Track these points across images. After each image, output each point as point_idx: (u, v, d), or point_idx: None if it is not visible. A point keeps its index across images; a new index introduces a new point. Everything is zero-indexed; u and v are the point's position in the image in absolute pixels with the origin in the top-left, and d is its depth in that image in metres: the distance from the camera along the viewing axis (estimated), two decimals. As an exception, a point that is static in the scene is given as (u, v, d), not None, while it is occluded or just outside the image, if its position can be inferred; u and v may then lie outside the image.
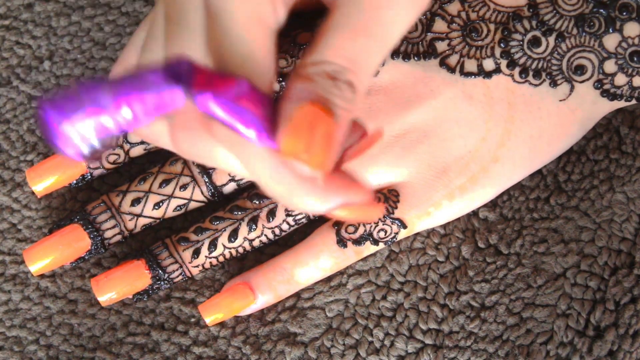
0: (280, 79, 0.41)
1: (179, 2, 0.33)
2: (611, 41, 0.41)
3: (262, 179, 0.32)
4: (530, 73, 0.41)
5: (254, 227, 0.43)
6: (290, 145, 0.29)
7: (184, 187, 0.44)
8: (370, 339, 0.44)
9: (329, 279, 0.44)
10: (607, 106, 0.42)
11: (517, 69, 0.41)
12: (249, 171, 0.32)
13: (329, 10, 0.33)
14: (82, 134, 0.28)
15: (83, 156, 0.29)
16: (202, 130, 0.33)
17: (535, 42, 0.41)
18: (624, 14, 0.41)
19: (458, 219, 0.44)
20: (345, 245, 0.43)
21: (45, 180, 0.44)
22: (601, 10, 0.41)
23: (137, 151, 0.45)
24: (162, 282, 0.43)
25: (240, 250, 0.44)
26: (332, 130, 0.30)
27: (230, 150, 0.32)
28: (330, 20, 0.32)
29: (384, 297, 0.44)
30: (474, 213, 0.44)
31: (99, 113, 0.28)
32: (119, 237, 0.44)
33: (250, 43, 0.31)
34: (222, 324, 0.44)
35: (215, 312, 0.43)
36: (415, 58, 0.41)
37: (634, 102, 0.42)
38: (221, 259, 0.44)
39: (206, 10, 0.32)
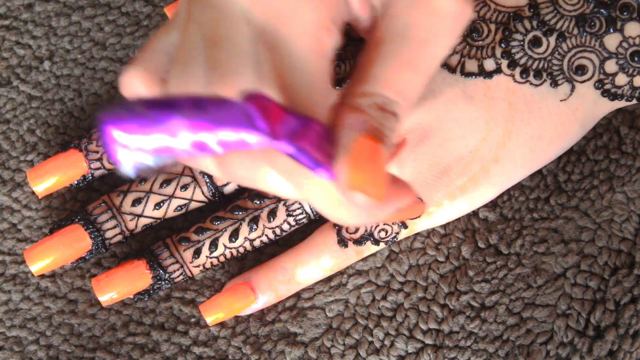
0: None
1: (222, 26, 0.33)
2: (612, 41, 0.41)
3: (318, 204, 0.32)
4: (531, 73, 0.41)
5: (254, 227, 0.43)
6: (357, 181, 0.30)
7: (184, 187, 0.44)
8: (370, 339, 0.44)
9: (329, 279, 0.44)
10: (608, 106, 0.42)
11: (518, 69, 0.41)
12: (303, 196, 0.33)
13: (370, 42, 0.34)
14: (141, 151, 0.27)
15: (137, 172, 0.27)
16: (261, 159, 0.33)
17: (536, 42, 0.41)
18: (625, 14, 0.41)
19: (458, 219, 0.44)
20: (346, 245, 0.43)
21: (46, 181, 0.44)
22: (602, 10, 0.41)
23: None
24: (162, 282, 0.43)
25: (241, 250, 0.44)
26: (385, 160, 0.31)
27: (288, 178, 0.32)
28: (376, 53, 0.33)
29: (384, 297, 0.44)
30: (474, 213, 0.45)
31: (166, 136, 0.27)
32: (119, 237, 0.44)
33: (313, 74, 0.32)
34: (222, 324, 0.44)
35: (216, 312, 0.43)
36: None
37: (634, 102, 0.42)
38: (222, 259, 0.44)
39: (259, 37, 0.32)
